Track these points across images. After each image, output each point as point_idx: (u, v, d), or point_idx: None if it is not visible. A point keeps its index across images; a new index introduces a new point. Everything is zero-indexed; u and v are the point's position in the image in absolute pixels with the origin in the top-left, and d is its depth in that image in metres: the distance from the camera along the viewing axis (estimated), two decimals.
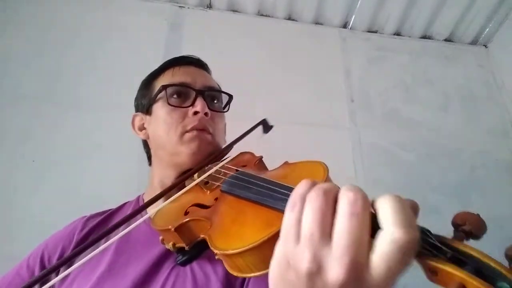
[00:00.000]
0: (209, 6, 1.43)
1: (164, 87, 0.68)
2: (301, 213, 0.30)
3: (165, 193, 0.43)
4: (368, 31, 1.54)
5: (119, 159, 1.08)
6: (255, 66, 1.34)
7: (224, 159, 0.49)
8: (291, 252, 0.29)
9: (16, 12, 1.24)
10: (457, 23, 1.54)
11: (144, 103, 0.73)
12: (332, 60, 1.44)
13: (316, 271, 0.28)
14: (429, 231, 0.29)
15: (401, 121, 1.37)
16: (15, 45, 1.19)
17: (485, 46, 1.62)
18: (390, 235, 0.26)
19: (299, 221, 0.29)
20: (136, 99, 0.78)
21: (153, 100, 0.71)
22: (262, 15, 1.47)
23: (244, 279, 0.54)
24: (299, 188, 0.31)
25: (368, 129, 1.32)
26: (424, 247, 0.28)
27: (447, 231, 0.30)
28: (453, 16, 1.51)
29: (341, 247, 0.27)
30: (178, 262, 0.54)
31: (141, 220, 0.41)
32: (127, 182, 1.04)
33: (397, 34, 1.56)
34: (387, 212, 0.27)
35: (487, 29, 1.57)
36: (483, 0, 1.46)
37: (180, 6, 1.40)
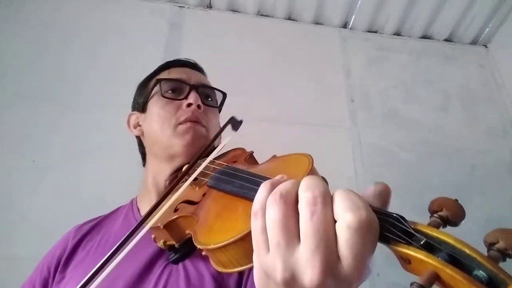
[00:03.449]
0: (209, 6, 1.43)
1: (159, 81, 0.70)
2: (264, 221, 0.29)
3: (162, 201, 0.43)
4: (368, 31, 1.54)
5: (119, 159, 1.08)
6: (255, 66, 1.34)
7: (211, 155, 0.50)
8: (265, 263, 0.29)
9: (16, 11, 1.24)
10: (457, 23, 1.54)
11: (140, 101, 0.75)
12: (332, 60, 1.44)
13: (291, 279, 0.27)
14: (403, 218, 0.28)
15: (401, 121, 1.37)
16: (15, 44, 1.19)
17: (485, 46, 1.62)
18: (343, 221, 0.26)
19: (264, 230, 0.29)
20: (133, 99, 0.80)
21: (148, 96, 0.72)
22: (262, 15, 1.47)
23: (239, 277, 0.54)
24: (259, 194, 0.31)
25: (368, 129, 1.32)
26: (397, 234, 0.27)
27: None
28: (453, 16, 1.51)
29: (309, 250, 0.26)
30: (170, 260, 0.55)
31: (141, 234, 0.41)
32: (127, 182, 1.03)
33: (397, 34, 1.56)
34: (338, 202, 0.27)
35: (487, 29, 1.57)
36: (483, 0, 1.46)
37: (180, 6, 1.40)
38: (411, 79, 1.46)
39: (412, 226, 0.27)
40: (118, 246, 0.37)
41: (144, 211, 0.68)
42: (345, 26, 1.52)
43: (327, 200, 0.28)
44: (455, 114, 1.42)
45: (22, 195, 0.99)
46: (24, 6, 1.25)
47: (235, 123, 0.56)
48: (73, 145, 1.08)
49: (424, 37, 1.58)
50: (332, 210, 0.28)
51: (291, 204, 0.29)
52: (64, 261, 0.64)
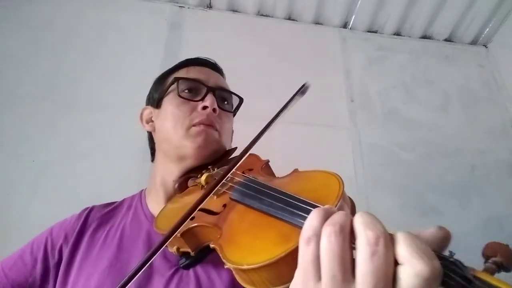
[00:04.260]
0: (209, 6, 1.43)
1: (177, 79, 0.69)
2: (317, 249, 0.29)
3: (187, 217, 0.42)
4: (368, 31, 1.54)
5: (118, 159, 1.08)
6: (255, 66, 1.34)
7: (234, 163, 0.48)
8: None
9: (15, 10, 1.24)
10: (457, 23, 1.54)
11: (156, 96, 0.74)
12: (332, 60, 1.44)
13: None
14: (461, 263, 0.28)
15: (401, 121, 1.37)
16: (15, 44, 1.19)
17: (485, 46, 1.62)
18: (412, 268, 0.26)
19: (317, 258, 0.29)
20: (149, 93, 0.79)
21: (164, 93, 0.71)
22: (262, 15, 1.47)
23: None
24: (313, 221, 0.30)
25: (368, 129, 1.32)
26: (456, 280, 0.27)
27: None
28: (453, 16, 1.51)
29: None
30: (181, 265, 0.54)
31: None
32: (127, 182, 1.03)
33: (397, 34, 1.56)
34: (405, 247, 0.27)
35: (487, 29, 1.57)
36: (483, 0, 1.46)
37: (180, 6, 1.40)
38: (411, 79, 1.46)
39: (471, 273, 0.27)
40: (139, 266, 0.38)
41: (152, 208, 0.67)
42: (345, 26, 1.52)
43: (388, 241, 0.27)
44: (455, 114, 1.42)
45: (21, 195, 0.99)
46: (24, 6, 1.25)
47: (305, 90, 0.55)
48: (72, 145, 1.08)
49: (424, 37, 1.57)
50: (393, 251, 0.27)
51: (348, 237, 0.29)
52: (70, 247, 0.62)
